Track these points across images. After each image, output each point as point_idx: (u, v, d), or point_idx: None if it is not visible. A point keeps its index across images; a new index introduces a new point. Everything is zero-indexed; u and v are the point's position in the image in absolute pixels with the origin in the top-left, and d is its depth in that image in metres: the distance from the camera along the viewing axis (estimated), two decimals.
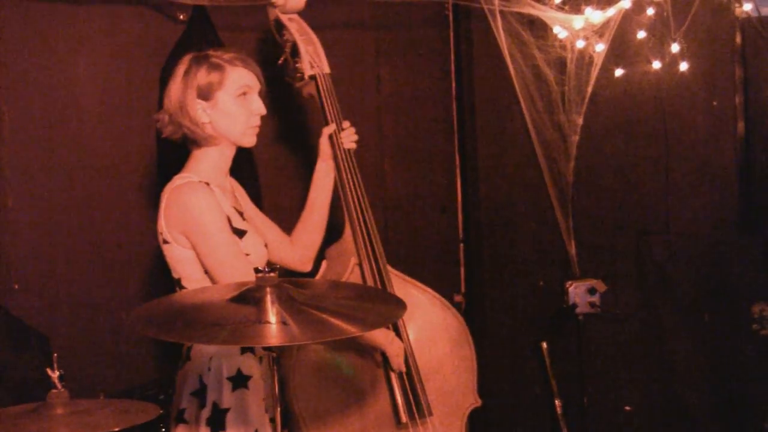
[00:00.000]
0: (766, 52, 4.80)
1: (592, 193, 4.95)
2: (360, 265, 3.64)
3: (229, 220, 3.19)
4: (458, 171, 5.10)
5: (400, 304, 2.67)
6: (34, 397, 2.80)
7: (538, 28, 4.60)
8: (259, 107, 3.30)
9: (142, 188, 4.27)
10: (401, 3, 4.61)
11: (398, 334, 3.56)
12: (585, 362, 4.79)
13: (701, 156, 4.98)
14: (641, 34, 4.64)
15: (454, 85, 5.05)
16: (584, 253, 4.89)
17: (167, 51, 4.21)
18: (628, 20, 4.55)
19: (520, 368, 4.98)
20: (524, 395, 4.99)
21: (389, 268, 3.70)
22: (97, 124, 4.32)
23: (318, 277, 3.70)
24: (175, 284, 3.26)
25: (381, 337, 3.47)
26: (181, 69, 3.26)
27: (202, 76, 3.21)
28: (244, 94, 3.26)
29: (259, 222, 3.53)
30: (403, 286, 3.70)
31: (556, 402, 4.77)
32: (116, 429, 2.54)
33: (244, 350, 3.24)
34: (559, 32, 4.52)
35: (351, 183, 3.65)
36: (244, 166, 4.01)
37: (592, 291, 4.68)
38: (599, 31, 4.45)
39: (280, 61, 3.86)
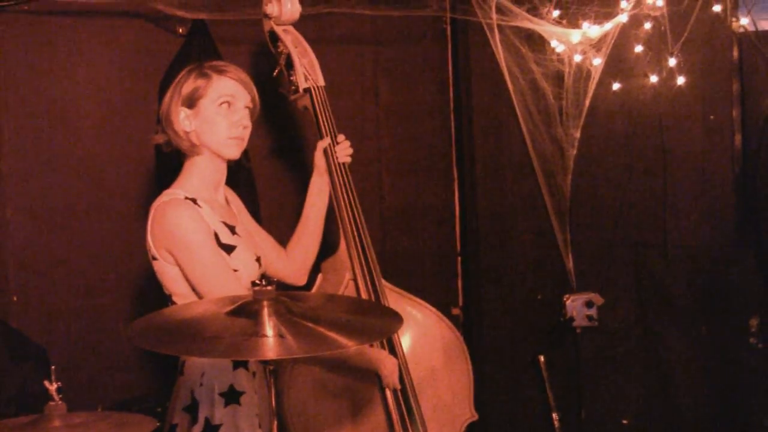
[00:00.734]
0: (763, 66, 4.82)
1: (590, 206, 4.96)
2: (354, 279, 3.63)
3: (217, 236, 3.17)
4: (456, 184, 5.11)
5: (396, 318, 2.68)
6: (32, 409, 2.81)
7: (536, 42, 4.62)
8: (241, 119, 3.27)
9: (140, 200, 4.28)
10: (400, 17, 4.63)
11: (393, 348, 3.55)
12: (582, 375, 4.79)
13: (698, 169, 5.00)
14: (638, 49, 4.66)
15: (452, 98, 5.07)
16: (582, 267, 4.90)
17: (167, 64, 4.23)
18: (625, 34, 4.58)
19: (518, 381, 4.98)
20: (522, 409, 4.99)
21: (384, 282, 3.70)
22: (96, 137, 4.34)
23: (313, 290, 3.70)
24: (167, 299, 3.26)
25: (374, 356, 3.46)
26: (176, 78, 3.29)
27: (189, 84, 3.23)
28: (228, 103, 3.24)
29: (254, 235, 3.53)
30: (397, 300, 3.70)
31: (554, 415, 4.77)
32: None
33: (236, 365, 3.23)
34: (557, 46, 4.54)
35: (345, 197, 3.64)
36: (241, 178, 4.03)
37: (589, 304, 4.69)
38: (596, 46, 4.48)
39: (275, 73, 3.85)
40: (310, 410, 3.47)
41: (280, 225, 4.09)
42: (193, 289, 3.15)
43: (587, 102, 4.61)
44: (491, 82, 4.78)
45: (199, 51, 4.21)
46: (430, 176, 5.10)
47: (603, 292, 4.81)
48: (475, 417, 3.89)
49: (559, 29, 4.40)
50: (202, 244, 3.11)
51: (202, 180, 3.28)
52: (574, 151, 4.71)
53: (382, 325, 2.67)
